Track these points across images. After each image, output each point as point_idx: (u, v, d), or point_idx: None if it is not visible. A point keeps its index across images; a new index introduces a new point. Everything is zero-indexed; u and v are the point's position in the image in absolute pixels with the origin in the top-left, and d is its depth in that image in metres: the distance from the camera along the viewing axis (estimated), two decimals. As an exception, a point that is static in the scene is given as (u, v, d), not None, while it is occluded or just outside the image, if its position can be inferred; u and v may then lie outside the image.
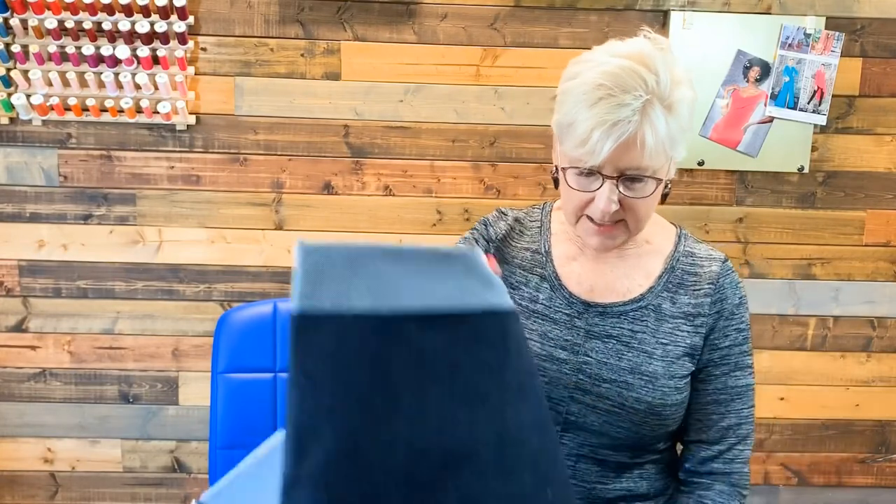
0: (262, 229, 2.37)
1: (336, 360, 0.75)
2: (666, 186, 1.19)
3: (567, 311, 1.23)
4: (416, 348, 0.78)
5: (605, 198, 1.10)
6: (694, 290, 1.22)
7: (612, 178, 1.10)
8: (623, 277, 1.24)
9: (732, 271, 1.25)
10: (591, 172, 1.11)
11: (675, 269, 1.23)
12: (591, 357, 1.20)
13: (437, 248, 0.86)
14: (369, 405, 0.74)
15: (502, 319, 0.83)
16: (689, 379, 1.22)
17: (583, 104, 1.07)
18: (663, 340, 1.20)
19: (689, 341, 1.21)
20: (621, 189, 1.11)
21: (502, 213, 1.35)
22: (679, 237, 1.27)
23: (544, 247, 1.28)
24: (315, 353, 0.76)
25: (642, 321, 1.21)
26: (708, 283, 1.22)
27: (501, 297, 0.84)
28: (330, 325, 0.76)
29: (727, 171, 2.40)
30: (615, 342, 1.21)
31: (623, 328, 1.21)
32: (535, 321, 1.24)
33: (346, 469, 0.72)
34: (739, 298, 1.24)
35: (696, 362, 1.22)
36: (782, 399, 2.53)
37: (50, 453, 2.45)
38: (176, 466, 2.47)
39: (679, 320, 1.21)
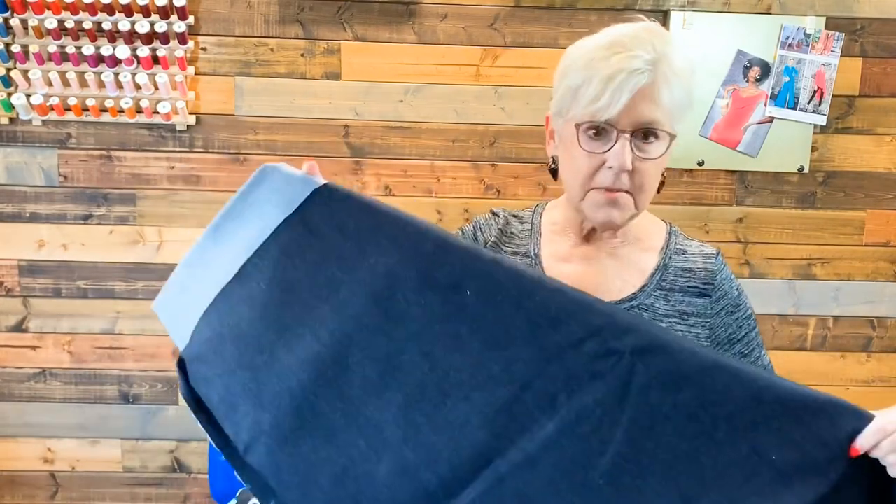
0: (262, 229, 2.37)
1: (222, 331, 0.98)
2: (662, 175, 1.19)
3: None
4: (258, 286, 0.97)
5: (619, 153, 1.08)
6: (688, 287, 1.21)
7: (625, 132, 1.08)
8: (615, 276, 1.22)
9: (725, 265, 1.24)
10: (603, 131, 1.09)
11: (668, 266, 1.22)
12: None
13: (233, 198, 1.06)
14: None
15: (307, 212, 0.96)
16: None
17: (595, 63, 1.08)
18: None
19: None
20: (634, 149, 1.09)
21: (494, 214, 1.33)
22: (670, 234, 1.26)
23: (533, 250, 1.26)
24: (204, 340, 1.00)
25: None
26: (703, 283, 1.21)
27: (288, 205, 0.97)
28: (208, 318, 0.99)
29: (727, 171, 2.40)
30: None
31: None
32: None
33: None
34: (737, 289, 1.23)
35: None
36: (782, 399, 2.53)
37: (50, 453, 2.45)
38: (176, 466, 2.47)
39: (673, 319, 1.19)
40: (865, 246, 2.46)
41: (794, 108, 2.36)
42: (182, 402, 2.42)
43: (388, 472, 0.90)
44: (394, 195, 2.37)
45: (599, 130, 1.10)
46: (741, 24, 2.32)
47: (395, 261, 0.93)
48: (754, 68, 2.33)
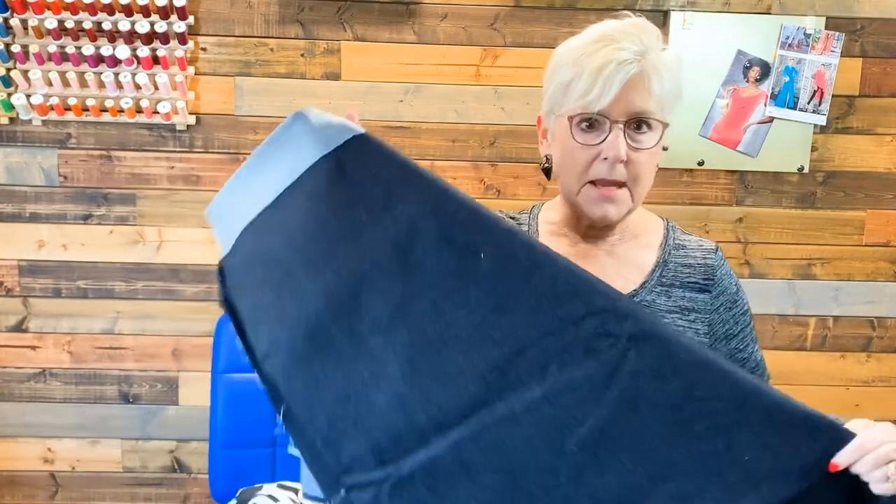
0: (262, 229, 2.37)
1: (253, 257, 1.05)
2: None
3: None
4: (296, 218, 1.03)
5: (613, 143, 1.09)
6: (689, 283, 1.21)
7: (618, 122, 1.09)
8: (615, 274, 1.22)
9: (724, 260, 1.25)
10: (596, 123, 1.10)
11: (667, 262, 1.22)
12: None
13: (277, 129, 1.09)
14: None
15: (346, 152, 1.02)
16: None
17: (584, 57, 1.09)
18: None
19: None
20: (628, 140, 1.10)
21: None
22: (667, 229, 1.26)
23: None
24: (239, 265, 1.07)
25: None
26: (703, 278, 1.21)
27: (326, 145, 1.03)
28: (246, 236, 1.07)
29: (727, 171, 2.40)
30: None
31: None
32: None
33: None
34: (735, 285, 1.24)
35: None
36: (782, 399, 2.52)
37: (50, 453, 2.45)
38: (176, 466, 2.47)
39: (675, 315, 1.20)
40: (865, 246, 2.46)
41: (794, 108, 2.36)
42: (182, 402, 2.43)
43: (385, 403, 0.98)
44: (394, 195, 2.37)
45: (592, 122, 1.11)
46: (741, 24, 2.32)
47: (420, 214, 0.99)
48: (754, 68, 2.33)
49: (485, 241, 0.98)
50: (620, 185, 1.13)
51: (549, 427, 0.94)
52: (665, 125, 1.12)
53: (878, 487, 0.92)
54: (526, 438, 0.95)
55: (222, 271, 1.10)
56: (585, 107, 1.09)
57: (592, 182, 1.13)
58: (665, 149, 1.18)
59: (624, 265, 1.22)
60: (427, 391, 0.97)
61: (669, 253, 1.22)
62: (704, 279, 1.21)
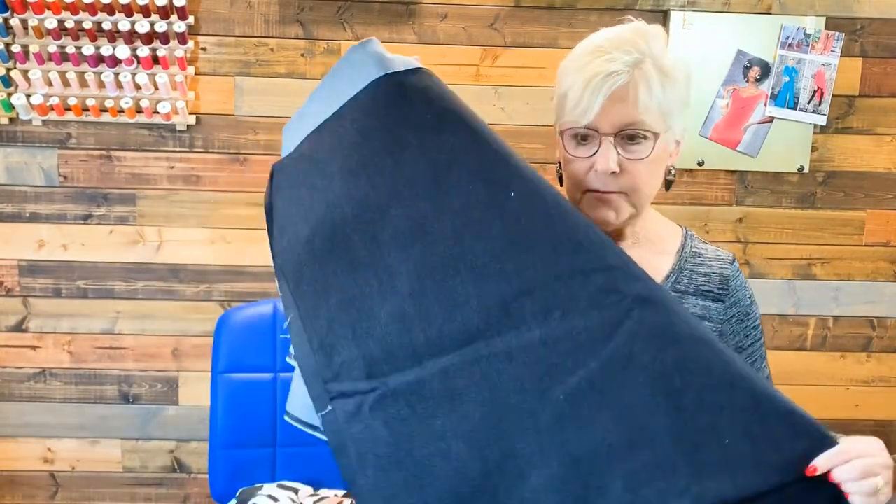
0: (263, 229, 2.35)
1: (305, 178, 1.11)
2: (669, 173, 1.20)
3: None
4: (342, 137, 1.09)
5: (604, 156, 1.09)
6: (703, 291, 1.21)
7: (608, 135, 1.09)
8: None
9: (740, 272, 1.25)
10: (588, 136, 1.11)
11: (683, 269, 1.22)
12: None
13: (349, 50, 1.12)
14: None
15: (406, 78, 1.05)
16: None
17: (578, 68, 1.10)
18: None
19: None
20: (619, 150, 1.10)
21: None
22: (685, 237, 1.26)
23: None
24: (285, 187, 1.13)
25: None
26: (718, 287, 1.21)
27: (389, 68, 1.06)
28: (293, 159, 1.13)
29: (727, 171, 2.40)
30: None
31: None
32: None
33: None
34: (750, 298, 1.24)
35: None
36: (782, 399, 2.52)
37: (50, 453, 2.45)
38: (176, 466, 2.47)
39: None
40: (865, 246, 2.46)
41: (794, 108, 2.36)
42: (182, 402, 2.43)
43: (387, 315, 1.00)
44: (394, 195, 2.37)
45: (585, 135, 1.11)
46: (741, 24, 2.32)
47: (463, 146, 1.04)
48: (754, 68, 2.33)
49: (518, 181, 1.01)
50: (618, 192, 1.13)
51: (541, 371, 0.96)
52: (656, 135, 1.10)
53: (861, 500, 0.92)
54: (515, 378, 0.96)
55: (273, 173, 1.16)
56: (576, 120, 1.10)
57: (591, 190, 1.14)
58: (678, 142, 1.18)
59: None
60: (430, 312, 0.99)
61: (686, 260, 1.23)
62: (719, 289, 1.21)
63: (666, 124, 1.11)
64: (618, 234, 1.20)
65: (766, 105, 2.35)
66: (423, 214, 1.02)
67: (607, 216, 1.15)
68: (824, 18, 2.33)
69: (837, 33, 2.32)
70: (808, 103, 2.35)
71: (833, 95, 2.35)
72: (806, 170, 2.40)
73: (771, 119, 2.36)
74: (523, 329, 0.97)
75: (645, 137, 1.10)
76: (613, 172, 1.10)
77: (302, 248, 1.07)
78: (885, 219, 2.45)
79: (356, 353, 1.01)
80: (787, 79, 2.34)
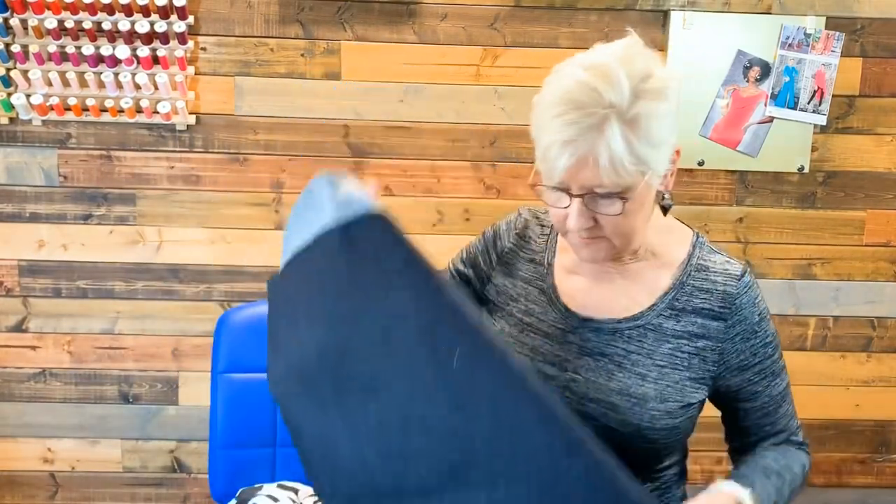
0: (262, 229, 2.37)
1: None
2: (663, 198, 1.16)
3: (561, 326, 1.19)
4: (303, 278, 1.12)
5: (574, 217, 1.06)
6: (703, 309, 1.15)
7: (578, 196, 1.05)
8: (622, 294, 1.18)
9: (750, 287, 1.17)
10: (560, 189, 1.07)
11: (684, 285, 1.17)
12: (580, 375, 1.16)
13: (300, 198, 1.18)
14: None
15: (359, 226, 1.06)
16: (691, 408, 1.17)
17: (543, 121, 1.06)
18: (660, 362, 1.15)
19: (689, 363, 1.15)
20: (590, 207, 1.06)
21: (518, 214, 1.32)
22: (694, 247, 1.19)
23: (547, 258, 1.25)
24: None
25: (639, 341, 1.16)
26: (720, 305, 1.15)
27: (346, 210, 1.07)
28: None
29: (727, 171, 2.40)
30: (607, 361, 1.16)
31: (617, 346, 1.16)
32: (527, 335, 1.22)
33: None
34: (759, 315, 1.18)
35: (706, 388, 1.18)
36: (782, 399, 2.53)
37: (50, 453, 2.45)
38: (176, 466, 2.47)
39: (682, 340, 1.16)
40: (865, 246, 2.46)
41: (794, 108, 2.36)
42: (182, 402, 2.43)
43: (350, 457, 1.05)
44: (394, 195, 2.37)
45: (555, 188, 1.07)
46: (741, 24, 2.32)
47: (409, 303, 1.03)
48: (754, 68, 2.33)
49: (464, 340, 0.99)
50: (600, 237, 1.10)
51: None
52: (626, 190, 1.04)
53: None
54: None
55: (269, 287, 1.23)
56: (545, 176, 1.07)
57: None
58: (672, 162, 1.14)
59: (635, 285, 1.18)
60: (389, 463, 1.03)
61: (689, 275, 1.17)
62: (721, 307, 1.15)
63: (643, 171, 1.03)
64: (613, 257, 1.16)
65: (766, 105, 2.35)
66: (375, 371, 1.03)
67: (594, 256, 1.13)
68: (824, 18, 2.33)
69: (837, 33, 2.32)
70: (809, 103, 2.35)
71: (833, 95, 2.35)
72: (806, 170, 2.40)
73: (771, 119, 2.36)
74: (470, 493, 0.98)
75: (613, 196, 1.04)
76: (589, 227, 1.07)
77: (283, 382, 1.13)
78: (885, 219, 2.45)
79: (327, 482, 1.10)
80: (788, 79, 2.34)
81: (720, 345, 1.16)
